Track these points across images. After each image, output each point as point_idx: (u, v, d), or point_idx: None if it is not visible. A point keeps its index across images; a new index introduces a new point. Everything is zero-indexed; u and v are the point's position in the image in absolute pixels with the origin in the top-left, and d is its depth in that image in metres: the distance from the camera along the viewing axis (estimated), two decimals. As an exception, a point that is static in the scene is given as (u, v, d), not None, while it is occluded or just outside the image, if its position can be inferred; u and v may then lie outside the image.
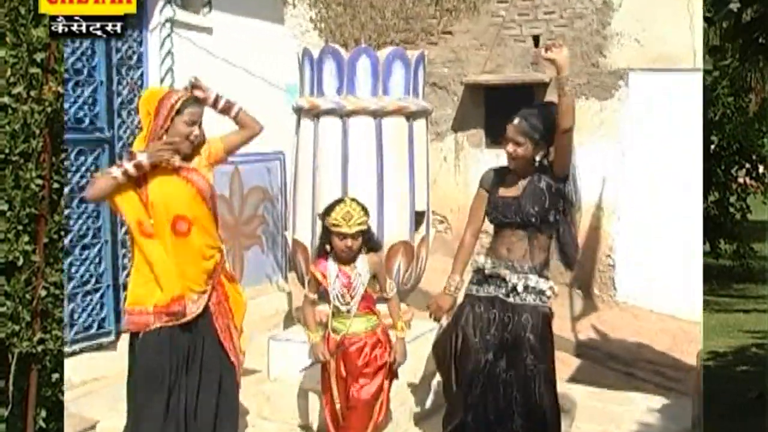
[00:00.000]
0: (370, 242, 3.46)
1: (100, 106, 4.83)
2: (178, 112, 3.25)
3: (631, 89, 7.65)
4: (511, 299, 3.36)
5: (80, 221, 4.73)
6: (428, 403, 4.32)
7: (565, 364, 6.39)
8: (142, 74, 5.17)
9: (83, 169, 4.72)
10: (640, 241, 7.82)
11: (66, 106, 4.53)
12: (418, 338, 4.36)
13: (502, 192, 3.43)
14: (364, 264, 3.42)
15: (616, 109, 7.69)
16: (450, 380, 3.54)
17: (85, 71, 4.75)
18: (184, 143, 3.29)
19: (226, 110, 3.45)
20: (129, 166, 3.19)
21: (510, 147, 3.34)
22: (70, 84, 4.61)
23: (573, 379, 6.07)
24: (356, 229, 3.33)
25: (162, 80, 5.30)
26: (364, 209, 3.40)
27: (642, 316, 7.92)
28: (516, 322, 3.34)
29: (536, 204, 3.32)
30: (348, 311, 3.42)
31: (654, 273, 7.74)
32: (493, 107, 8.35)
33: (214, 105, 3.43)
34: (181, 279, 3.28)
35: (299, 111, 4.53)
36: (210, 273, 3.38)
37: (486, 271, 3.43)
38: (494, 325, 3.37)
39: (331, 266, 3.41)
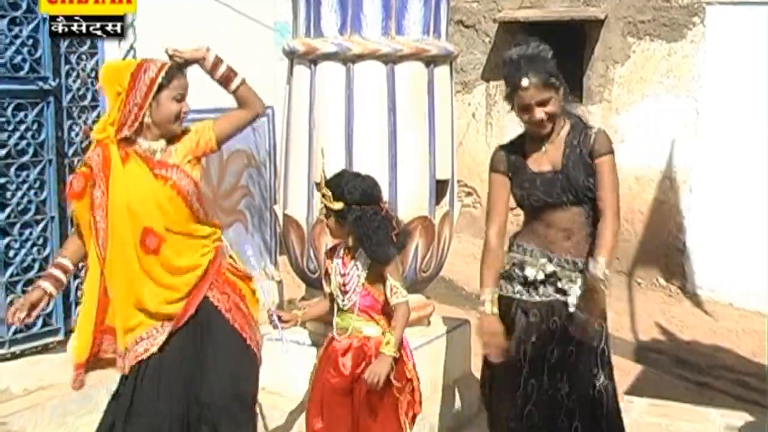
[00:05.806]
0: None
1: (42, 49, 4.83)
2: (161, 86, 3.17)
3: (707, 28, 7.59)
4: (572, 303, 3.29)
5: (20, 193, 4.73)
6: (450, 418, 4.32)
7: (623, 371, 6.41)
8: (95, 8, 5.16)
9: (23, 127, 4.72)
10: (718, 219, 7.81)
11: (0, 48, 4.56)
12: (439, 338, 4.38)
13: (535, 167, 3.34)
14: (365, 258, 3.46)
15: (689, 54, 7.66)
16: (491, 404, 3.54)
17: (24, 5, 4.72)
18: (173, 125, 3.24)
19: (225, 80, 3.37)
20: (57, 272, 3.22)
21: (537, 113, 3.24)
22: (5, 21, 4.60)
23: (632, 390, 6.10)
24: (329, 206, 3.40)
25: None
26: (341, 189, 3.39)
27: (719, 312, 7.95)
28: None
29: (587, 174, 3.26)
30: (345, 307, 3.51)
31: (735, 259, 7.72)
32: (535, 51, 8.35)
33: (212, 71, 3.35)
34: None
35: (292, 55, 4.50)
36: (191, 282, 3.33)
37: (545, 272, 3.32)
38: (556, 338, 3.28)
39: (338, 253, 3.56)
